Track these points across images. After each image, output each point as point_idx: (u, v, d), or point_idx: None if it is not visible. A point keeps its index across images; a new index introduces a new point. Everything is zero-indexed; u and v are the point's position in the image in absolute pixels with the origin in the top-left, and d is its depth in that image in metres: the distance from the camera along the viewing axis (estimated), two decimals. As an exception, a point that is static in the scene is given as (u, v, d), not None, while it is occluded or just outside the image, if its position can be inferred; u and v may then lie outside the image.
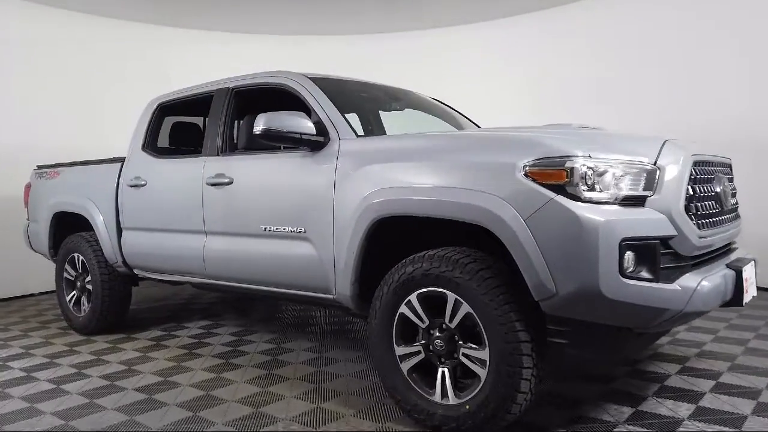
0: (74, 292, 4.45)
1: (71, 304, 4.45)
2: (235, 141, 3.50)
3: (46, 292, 6.25)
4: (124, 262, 4.08)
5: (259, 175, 3.15)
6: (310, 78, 3.17)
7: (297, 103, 3.07)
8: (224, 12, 6.69)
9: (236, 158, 3.31)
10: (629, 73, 5.93)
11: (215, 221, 3.35)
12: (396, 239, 2.65)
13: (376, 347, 2.56)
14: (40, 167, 5.02)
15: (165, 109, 4.12)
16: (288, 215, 2.95)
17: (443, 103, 4.11)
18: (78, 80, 6.42)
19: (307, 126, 2.85)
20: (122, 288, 4.27)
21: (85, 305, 4.33)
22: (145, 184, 3.81)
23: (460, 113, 4.10)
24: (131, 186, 3.91)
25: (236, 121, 3.59)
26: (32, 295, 6.15)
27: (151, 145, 4.04)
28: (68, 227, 4.54)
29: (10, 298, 5.99)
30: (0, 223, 5.87)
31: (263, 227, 3.06)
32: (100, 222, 4.13)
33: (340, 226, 2.69)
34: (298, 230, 2.90)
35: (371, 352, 2.61)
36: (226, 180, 3.26)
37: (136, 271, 4.12)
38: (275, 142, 2.88)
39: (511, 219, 2.12)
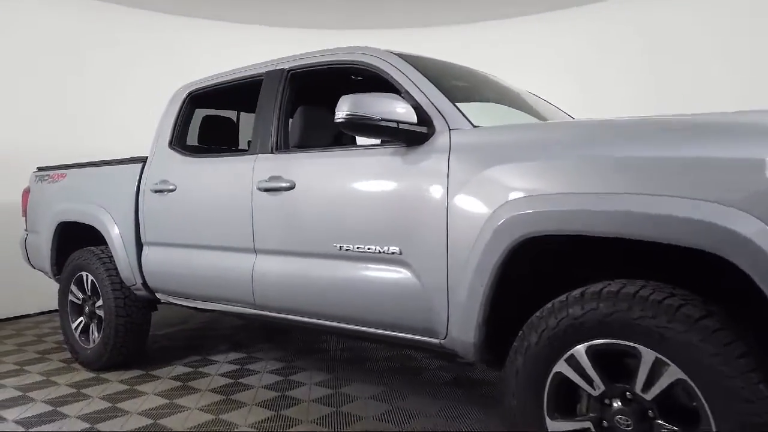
0: (81, 318, 3.71)
1: (77, 332, 3.70)
2: (296, 136, 2.78)
3: (46, 312, 5.50)
4: (145, 283, 3.35)
5: (331, 178, 2.43)
6: (398, 55, 2.46)
7: (379, 89, 2.35)
8: (254, 3, 6.00)
9: (299, 157, 2.60)
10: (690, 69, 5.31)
11: (269, 236, 2.62)
12: (526, 269, 1.94)
13: (515, 418, 1.83)
14: (41, 169, 4.29)
15: (196, 100, 3.40)
16: (374, 231, 2.23)
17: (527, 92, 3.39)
18: (87, 75, 5.71)
19: (406, 112, 2.14)
20: (140, 315, 3.53)
21: (95, 335, 3.59)
22: (174, 189, 3.09)
23: (549, 103, 3.38)
24: (156, 191, 3.18)
25: (293, 111, 2.86)
26: (29, 315, 5.40)
27: (179, 142, 3.32)
28: (75, 240, 3.80)
29: (4, 320, 5.23)
30: (-7, 233, 5.13)
31: (338, 246, 2.34)
32: (116, 235, 3.40)
33: (459, 247, 1.98)
34: (390, 251, 2.18)
35: (507, 424, 1.88)
36: (285, 184, 2.54)
37: (158, 295, 3.38)
38: (363, 133, 2.17)
39: (761, 237, 1.41)
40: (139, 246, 3.34)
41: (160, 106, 3.54)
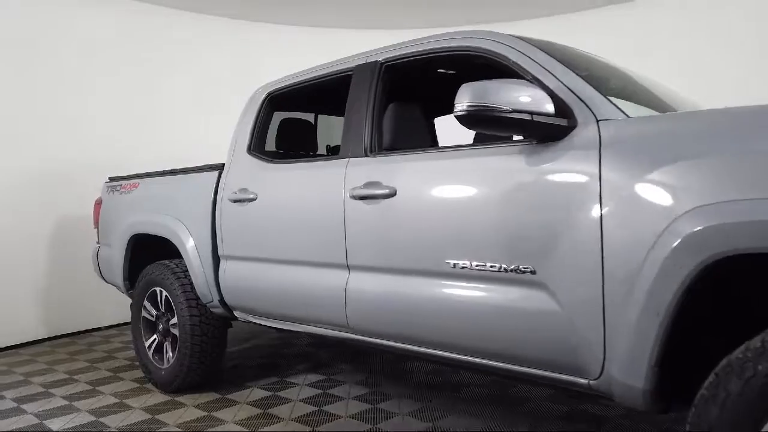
0: (155, 336, 3.50)
1: (151, 351, 3.49)
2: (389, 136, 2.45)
3: (116, 326, 5.39)
4: (222, 301, 3.09)
5: (443, 183, 2.08)
6: (523, 38, 2.10)
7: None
8: (321, 6, 5.77)
9: (400, 159, 2.27)
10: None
11: (365, 250, 2.30)
12: (708, 296, 1.53)
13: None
14: (113, 179, 4.15)
15: (275, 101, 3.14)
16: (499, 246, 1.87)
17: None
18: (159, 85, 5.61)
19: (540, 101, 1.77)
20: (217, 334, 3.28)
21: (169, 354, 3.36)
22: (254, 199, 2.82)
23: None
24: (234, 201, 2.93)
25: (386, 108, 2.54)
26: (99, 329, 5.30)
27: (259, 147, 3.06)
28: (149, 253, 3.61)
29: (76, 333, 5.15)
30: (66, 245, 5.06)
31: (451, 262, 1.99)
32: (191, 248, 3.17)
33: (619, 269, 1.59)
34: (521, 269, 1.81)
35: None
36: (384, 191, 2.22)
37: (236, 314, 3.12)
38: (487, 127, 1.82)
39: None
40: (217, 260, 3.09)
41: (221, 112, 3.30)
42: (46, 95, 4.97)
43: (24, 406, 3.27)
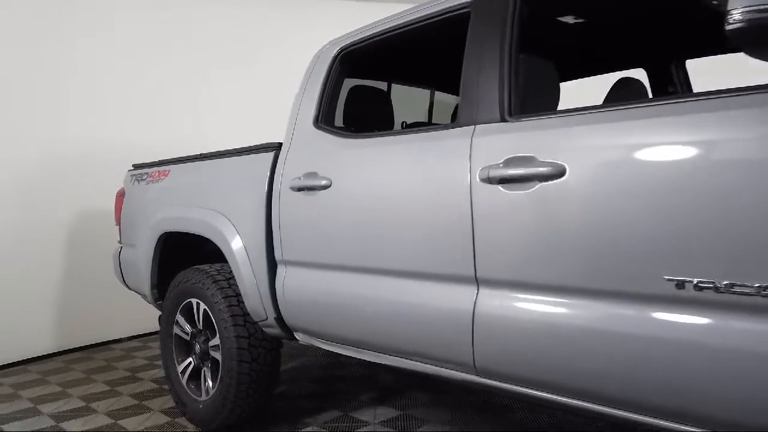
0: (190, 359, 2.81)
1: (185, 377, 2.81)
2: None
3: (138, 337, 4.73)
4: (279, 318, 2.40)
5: (652, 157, 1.36)
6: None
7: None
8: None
9: (565, 124, 1.54)
10: None
11: (509, 258, 1.59)
12: None
13: None
14: (137, 167, 3.48)
15: (346, 61, 2.43)
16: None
17: None
18: (176, 66, 4.95)
19: None
20: (269, 360, 2.59)
21: (209, 383, 2.68)
22: (328, 186, 2.12)
23: None
24: (299, 189, 2.23)
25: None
26: (118, 341, 4.64)
27: (328, 119, 2.36)
28: (183, 256, 2.94)
29: (91, 346, 4.49)
30: (83, 245, 4.41)
31: (674, 279, 1.27)
32: (239, 250, 2.48)
33: None
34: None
35: None
36: (543, 170, 1.50)
37: (298, 336, 2.43)
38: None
39: None
40: (273, 266, 2.40)
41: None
42: (64, 70, 4.33)
43: (28, 448, 2.61)
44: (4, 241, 4.03)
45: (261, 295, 2.42)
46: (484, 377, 1.68)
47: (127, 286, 3.47)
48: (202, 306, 2.68)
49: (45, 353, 4.24)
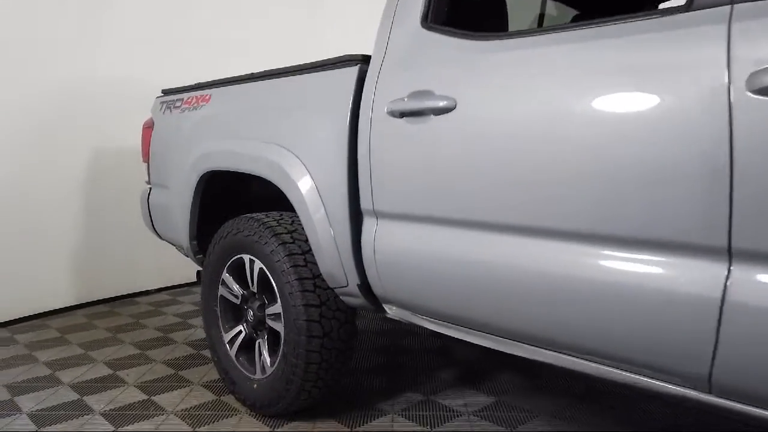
0: (240, 328, 2.29)
1: (233, 348, 2.30)
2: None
3: (168, 289, 4.26)
4: (365, 285, 1.85)
5: None
6: None
7: None
8: None
9: None
10: None
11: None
12: None
13: None
14: (168, 92, 2.89)
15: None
16: None
17: None
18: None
19: None
20: (345, 335, 2.05)
21: (265, 358, 2.16)
22: (452, 109, 1.51)
23: None
24: (401, 115, 1.63)
25: None
26: (146, 293, 4.16)
27: (443, 16, 1.72)
28: (231, 201, 2.39)
29: (116, 298, 4.02)
30: (106, 185, 3.87)
31: None
32: (310, 196, 1.90)
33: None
34: None
35: None
36: None
37: (388, 308, 1.88)
38: None
39: None
40: (357, 218, 1.82)
41: None
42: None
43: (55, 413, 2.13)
44: (20, 184, 3.49)
45: (341, 256, 1.86)
46: (724, 398, 1.11)
47: (158, 235, 2.94)
48: (258, 264, 2.13)
49: (65, 306, 3.77)
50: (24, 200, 3.52)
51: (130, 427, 2.13)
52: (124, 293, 4.06)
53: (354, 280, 1.86)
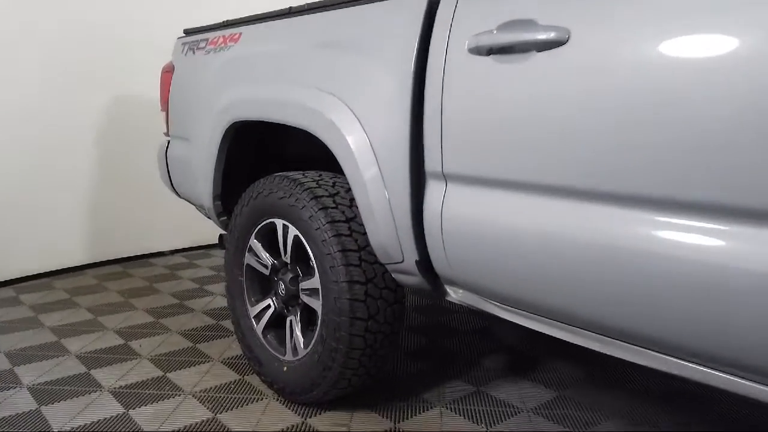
0: (268, 302, 2.00)
1: (260, 325, 2.02)
2: None
3: (185, 251, 4.00)
4: (425, 262, 1.54)
5: None
6: None
7: None
8: None
9: None
10: None
11: None
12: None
13: None
14: (191, 32, 2.56)
15: None
16: None
17: None
18: None
19: None
20: (392, 316, 1.76)
21: (299, 339, 1.88)
22: (563, 42, 1.16)
23: None
24: (488, 52, 1.30)
25: None
26: (160, 254, 3.91)
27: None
28: (261, 160, 2.09)
29: (128, 259, 3.77)
30: (121, 137, 3.59)
31: None
32: (361, 151, 1.58)
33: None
34: None
35: None
36: None
37: (452, 291, 1.58)
38: None
39: None
40: (419, 180, 1.51)
41: None
42: None
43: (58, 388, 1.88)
44: (27, 135, 3.21)
45: (397, 225, 1.55)
46: None
47: (177, 193, 2.65)
48: (292, 231, 1.83)
49: (75, 265, 3.52)
50: (31, 152, 3.25)
51: (142, 409, 1.88)
52: (138, 254, 3.81)
53: (411, 255, 1.55)
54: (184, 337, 2.50)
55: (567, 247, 1.18)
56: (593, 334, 1.24)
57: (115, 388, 2.03)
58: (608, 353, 1.23)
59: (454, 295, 1.56)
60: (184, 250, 4.00)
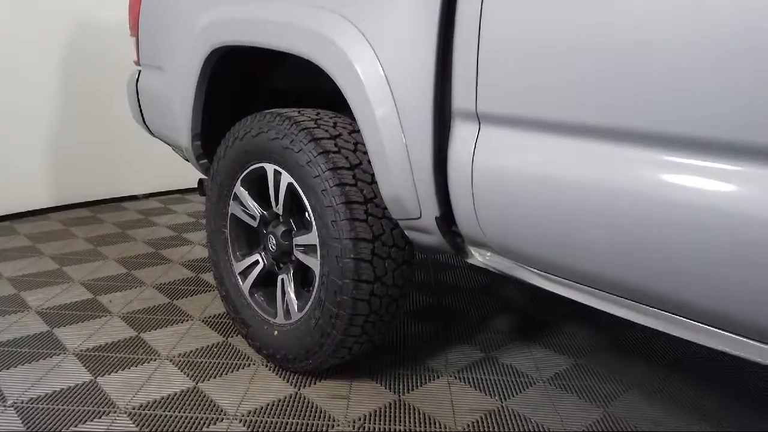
0: (257, 257, 1.76)
1: (247, 283, 1.78)
2: None
3: (160, 194, 3.71)
4: (446, 219, 1.31)
5: None
6: None
7: None
8: None
9: None
10: None
11: None
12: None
13: None
14: (165, -57, 2.19)
15: None
16: None
17: None
18: None
19: None
20: (401, 278, 1.54)
21: (291, 301, 1.65)
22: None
23: None
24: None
25: None
26: (134, 197, 3.62)
27: None
28: (250, 91, 1.80)
29: (98, 202, 3.47)
30: (88, 66, 3.22)
31: None
32: (375, 83, 1.31)
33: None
34: None
35: None
36: None
37: (479, 254, 1.35)
38: None
39: None
40: (442, 121, 1.25)
41: None
42: None
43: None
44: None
45: (414, 174, 1.31)
46: None
47: (150, 131, 2.35)
48: (285, 178, 1.57)
49: (38, 208, 3.22)
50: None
51: (112, 377, 1.66)
52: (108, 197, 3.51)
53: (431, 210, 1.31)
54: (159, 291, 2.27)
55: (638, 206, 0.95)
56: (659, 311, 1.04)
57: (81, 350, 1.80)
58: (676, 334, 1.03)
59: (480, 258, 1.33)
60: (159, 194, 3.71)
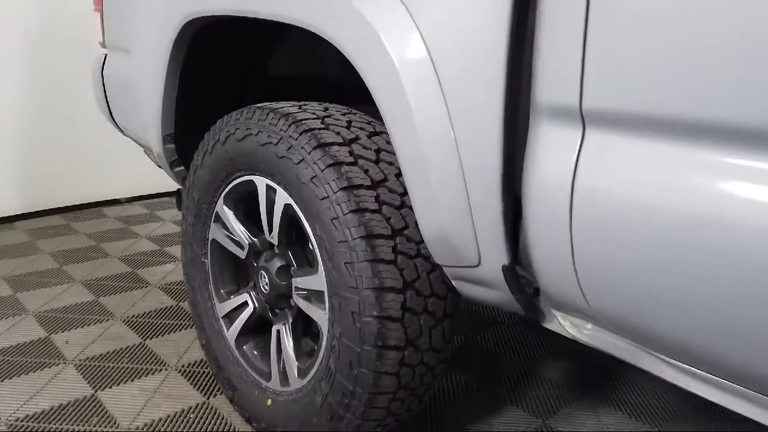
0: (245, 298, 1.33)
1: (233, 331, 1.35)
2: None
3: (143, 198, 3.29)
4: (517, 265, 0.87)
5: None
6: None
7: None
8: None
9: None
10: None
11: None
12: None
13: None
14: None
15: None
16: None
17: None
18: None
19: None
20: (445, 336, 1.11)
21: (291, 363, 1.22)
22: None
23: None
24: None
25: None
26: (116, 202, 3.20)
27: None
28: (236, 79, 1.37)
29: (74, 208, 3.05)
30: (63, 53, 2.80)
31: None
32: (417, 70, 0.87)
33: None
34: None
35: None
36: None
37: (569, 323, 0.91)
38: None
39: None
40: (516, 127, 0.81)
41: None
42: None
43: None
44: None
45: (471, 201, 0.87)
46: None
47: (116, 125, 1.92)
48: (282, 197, 1.14)
49: (2, 216, 2.81)
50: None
51: (51, 462, 1.23)
52: (87, 202, 3.09)
53: (496, 254, 0.88)
54: (130, 327, 1.84)
55: None
56: None
57: (14, 419, 1.38)
58: None
59: (572, 330, 0.89)
60: (144, 197, 3.29)
